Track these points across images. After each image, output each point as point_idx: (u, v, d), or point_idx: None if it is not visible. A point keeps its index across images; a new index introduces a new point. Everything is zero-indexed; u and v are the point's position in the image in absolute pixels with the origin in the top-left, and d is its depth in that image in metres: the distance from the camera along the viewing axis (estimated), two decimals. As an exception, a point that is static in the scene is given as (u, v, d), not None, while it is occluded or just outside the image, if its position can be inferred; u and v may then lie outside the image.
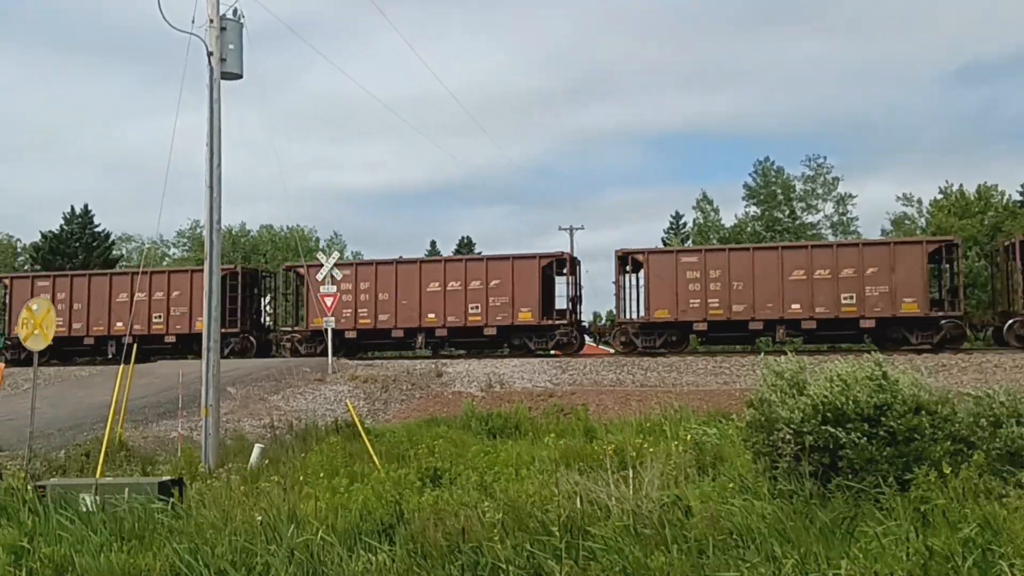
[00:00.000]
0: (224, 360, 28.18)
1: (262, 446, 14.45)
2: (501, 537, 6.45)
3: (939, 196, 56.41)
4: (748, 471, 10.49)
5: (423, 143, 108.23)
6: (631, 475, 9.68)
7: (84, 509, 9.38)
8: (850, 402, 9.48)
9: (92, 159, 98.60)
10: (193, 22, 14.39)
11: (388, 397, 22.93)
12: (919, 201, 57.84)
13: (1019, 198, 58.85)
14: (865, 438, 9.19)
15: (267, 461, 13.83)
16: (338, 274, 26.59)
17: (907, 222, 57.41)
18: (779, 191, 57.18)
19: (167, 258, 63.51)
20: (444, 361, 26.93)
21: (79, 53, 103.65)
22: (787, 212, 56.89)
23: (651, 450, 12.78)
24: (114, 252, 59.55)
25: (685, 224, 60.71)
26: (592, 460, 13.79)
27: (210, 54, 14.47)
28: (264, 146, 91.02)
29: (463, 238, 69.72)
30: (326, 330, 25.63)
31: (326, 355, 26.35)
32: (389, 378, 24.41)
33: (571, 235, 48.81)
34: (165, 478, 10.13)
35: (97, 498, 9.50)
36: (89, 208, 57.24)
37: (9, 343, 32.45)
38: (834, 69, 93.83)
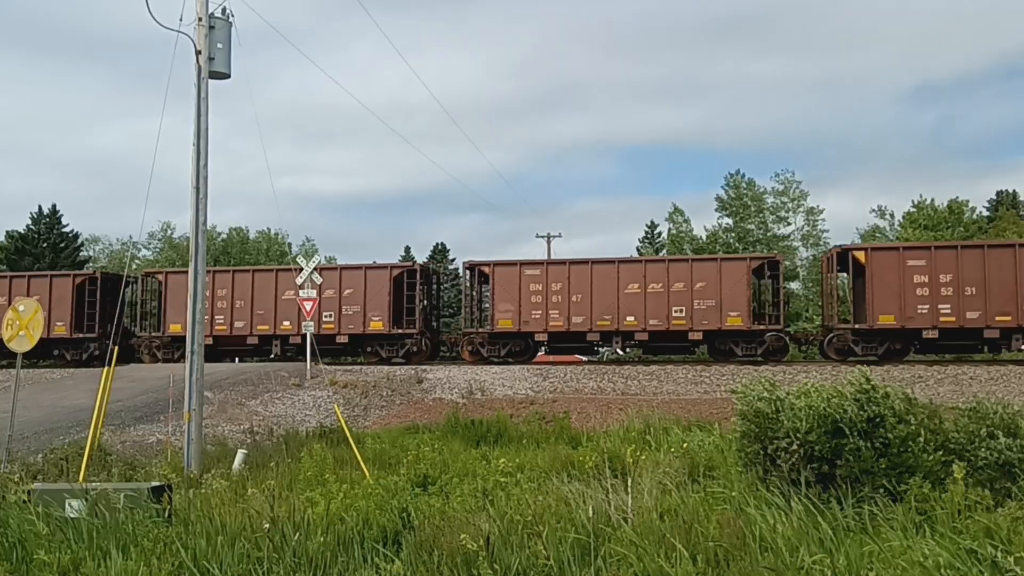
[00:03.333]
0: (211, 364, 28.20)
1: (245, 452, 14.23)
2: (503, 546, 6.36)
3: (912, 210, 57.27)
4: (739, 480, 10.51)
5: (392, 151, 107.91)
6: (631, 483, 9.63)
7: (70, 515, 9.13)
8: (846, 413, 9.51)
9: (57, 161, 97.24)
10: (181, 20, 14.20)
11: (368, 403, 22.71)
12: (891, 215, 58.71)
13: (987, 213, 60.05)
14: (863, 447, 9.22)
15: (250, 467, 13.63)
16: (318, 278, 26.30)
17: (878, 234, 58.16)
18: (751, 203, 57.65)
19: (137, 260, 62.69)
20: (424, 368, 26.75)
21: (47, 54, 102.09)
22: (757, 222, 57.35)
23: (643, 458, 12.75)
24: (82, 253, 58.58)
25: (660, 234, 60.98)
26: (581, 468, 13.75)
27: (198, 53, 14.26)
28: (233, 151, 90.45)
29: (437, 244, 69.62)
30: (306, 334, 25.33)
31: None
32: (369, 384, 24.18)
33: (548, 243, 48.87)
34: (154, 483, 9.89)
35: (83, 503, 9.25)
36: (57, 208, 56.34)
37: None
38: (796, 85, 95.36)
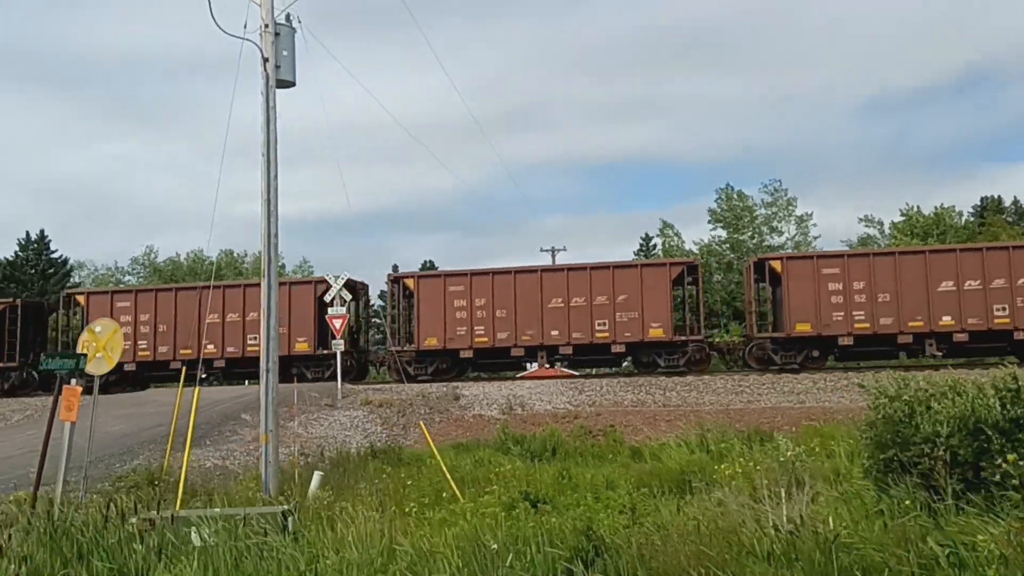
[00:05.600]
0: (231, 388, 27.14)
1: (321, 473, 13.64)
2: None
3: (900, 219, 57.86)
4: (863, 488, 10.19)
5: (349, 173, 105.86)
6: (783, 495, 9.23)
7: (195, 544, 8.58)
8: (990, 413, 9.14)
9: (25, 186, 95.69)
10: (245, 27, 13.78)
11: (407, 422, 22.11)
12: (880, 223, 59.26)
13: (972, 219, 60.83)
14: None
15: (325, 489, 13.05)
16: (347, 295, 25.65)
17: (869, 242, 58.56)
18: (743, 213, 57.87)
19: (121, 284, 61.42)
20: (457, 384, 26.17)
21: (16, 81, 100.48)
22: (749, 234, 57.50)
23: (739, 471, 12.36)
24: (71, 279, 57.33)
25: (655, 246, 60.99)
26: (668, 481, 13.39)
27: (265, 60, 13.79)
28: (197, 174, 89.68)
29: (425, 262, 69.25)
30: (335, 353, 24.71)
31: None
32: (405, 402, 23.56)
33: (553, 256, 48.71)
34: (281, 508, 9.34)
35: (210, 532, 8.69)
36: (45, 234, 55.07)
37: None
38: (753, 102, 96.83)
